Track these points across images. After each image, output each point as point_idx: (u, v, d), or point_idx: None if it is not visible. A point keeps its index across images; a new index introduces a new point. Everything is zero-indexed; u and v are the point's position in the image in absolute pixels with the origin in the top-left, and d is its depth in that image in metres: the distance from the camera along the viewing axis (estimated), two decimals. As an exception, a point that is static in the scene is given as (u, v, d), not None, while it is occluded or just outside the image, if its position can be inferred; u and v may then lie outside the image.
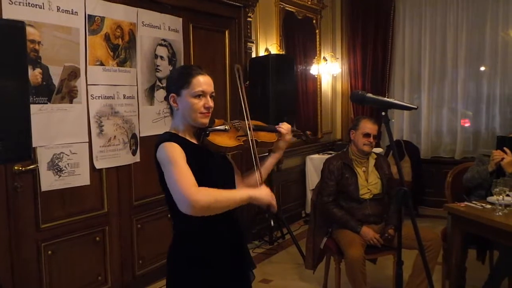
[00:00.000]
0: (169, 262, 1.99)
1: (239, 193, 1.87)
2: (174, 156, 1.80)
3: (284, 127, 2.17)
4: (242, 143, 2.02)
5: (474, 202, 3.25)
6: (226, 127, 2.03)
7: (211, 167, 1.94)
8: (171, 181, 1.78)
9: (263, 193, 1.89)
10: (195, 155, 1.87)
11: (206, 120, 1.94)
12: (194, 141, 1.96)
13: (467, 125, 6.42)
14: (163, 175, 1.84)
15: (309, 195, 5.86)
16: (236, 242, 2.03)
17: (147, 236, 3.99)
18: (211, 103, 1.93)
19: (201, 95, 1.90)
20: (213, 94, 1.97)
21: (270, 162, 2.20)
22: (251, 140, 2.01)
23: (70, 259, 3.41)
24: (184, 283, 1.92)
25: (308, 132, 2.42)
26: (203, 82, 1.92)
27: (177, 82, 1.93)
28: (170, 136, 1.91)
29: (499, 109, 6.20)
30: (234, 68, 2.13)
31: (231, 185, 2.03)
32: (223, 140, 1.97)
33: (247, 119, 2.03)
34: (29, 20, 2.97)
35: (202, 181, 1.82)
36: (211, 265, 1.92)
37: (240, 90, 2.06)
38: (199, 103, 1.90)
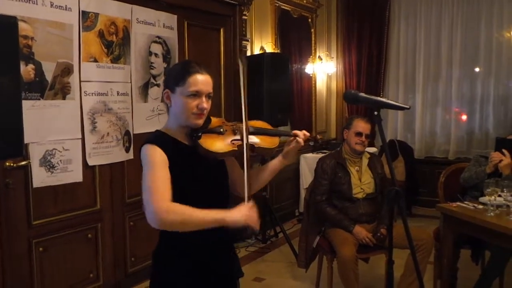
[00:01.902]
0: (153, 260, 1.94)
1: (212, 215, 1.71)
2: (153, 161, 1.74)
3: (301, 133, 1.99)
4: (236, 149, 1.86)
5: (466, 202, 3.27)
6: (222, 129, 1.88)
7: (201, 170, 1.86)
8: (145, 186, 1.72)
9: (238, 216, 1.73)
10: (184, 157, 1.82)
11: (199, 121, 1.83)
12: (186, 142, 1.87)
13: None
14: None
15: (303, 194, 5.86)
16: (225, 248, 1.98)
17: (139, 234, 3.97)
18: (205, 104, 1.81)
19: (195, 95, 1.80)
20: (211, 95, 1.85)
21: (274, 165, 2.05)
22: (246, 145, 1.83)
23: (62, 256, 3.40)
24: (167, 282, 1.88)
25: (318, 136, 2.24)
26: (200, 81, 1.80)
27: (173, 78, 1.84)
28: (155, 137, 1.84)
29: (492, 109, 6.23)
30: (239, 58, 1.91)
31: (221, 190, 1.96)
32: (214, 144, 1.83)
33: (245, 121, 1.85)
34: (22, 15, 2.96)
35: (188, 184, 1.79)
36: (195, 267, 1.87)
37: (242, 85, 1.87)
38: (192, 103, 1.79)
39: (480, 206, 3.14)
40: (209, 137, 1.84)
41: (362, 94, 1.85)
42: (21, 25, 2.95)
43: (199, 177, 1.85)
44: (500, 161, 3.36)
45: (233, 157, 2.02)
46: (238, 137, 1.89)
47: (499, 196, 3.00)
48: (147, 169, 1.74)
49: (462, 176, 3.62)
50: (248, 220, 1.74)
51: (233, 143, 1.87)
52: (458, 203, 3.28)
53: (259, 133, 1.97)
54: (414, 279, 3.29)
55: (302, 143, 2.00)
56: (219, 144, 1.84)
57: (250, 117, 1.90)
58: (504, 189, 2.95)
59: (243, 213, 1.74)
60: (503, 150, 3.38)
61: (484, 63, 6.23)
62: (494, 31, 6.12)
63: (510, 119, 6.13)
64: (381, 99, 1.86)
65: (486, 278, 3.46)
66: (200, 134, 1.82)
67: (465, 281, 3.62)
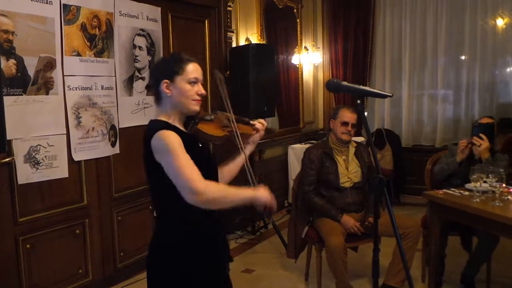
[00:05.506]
0: (150, 253, 1.95)
1: (244, 193, 1.84)
2: (175, 146, 1.77)
3: (259, 124, 2.18)
4: (228, 134, 2.04)
5: (452, 189, 3.29)
6: (212, 117, 2.05)
7: (200, 155, 1.90)
8: (174, 170, 1.75)
9: (264, 194, 1.87)
10: (185, 143, 1.84)
11: (198, 108, 1.94)
12: (183, 129, 1.94)
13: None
14: (151, 164, 1.80)
15: (292, 184, 5.86)
16: (218, 236, 2.02)
17: (128, 229, 3.96)
18: (203, 91, 1.94)
19: (195, 82, 1.91)
20: (203, 83, 1.98)
21: (243, 157, 2.16)
22: (236, 131, 2.02)
23: (49, 252, 3.37)
24: (165, 274, 1.89)
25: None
26: (195, 69, 1.93)
27: (171, 68, 1.91)
28: (163, 125, 1.87)
29: (478, 96, 6.26)
30: (215, 75, 2.14)
31: (214, 174, 2.01)
32: (212, 129, 1.99)
33: (231, 114, 2.04)
34: (1, 9, 2.92)
35: None
36: (192, 257, 1.89)
37: (223, 97, 2.07)
38: (193, 89, 1.90)
39: (466, 193, 3.17)
40: (204, 124, 2.00)
41: (344, 83, 1.85)
42: (1, 19, 2.91)
43: (199, 163, 1.86)
44: (467, 146, 3.44)
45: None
46: (225, 123, 2.06)
47: (485, 182, 3.02)
48: (170, 154, 1.76)
49: (434, 169, 3.66)
50: (271, 201, 1.88)
51: (224, 129, 2.05)
52: (445, 190, 3.30)
53: (238, 122, 2.11)
54: (402, 267, 3.31)
55: (263, 133, 2.19)
56: (215, 129, 2.01)
57: (234, 109, 2.09)
58: (490, 175, 2.98)
59: (266, 193, 1.87)
60: (480, 135, 3.42)
61: (469, 50, 6.24)
62: (479, 19, 6.12)
63: (495, 106, 6.18)
64: (364, 87, 1.86)
65: (474, 263, 3.50)
66: (197, 120, 1.98)
67: (453, 267, 3.66)
